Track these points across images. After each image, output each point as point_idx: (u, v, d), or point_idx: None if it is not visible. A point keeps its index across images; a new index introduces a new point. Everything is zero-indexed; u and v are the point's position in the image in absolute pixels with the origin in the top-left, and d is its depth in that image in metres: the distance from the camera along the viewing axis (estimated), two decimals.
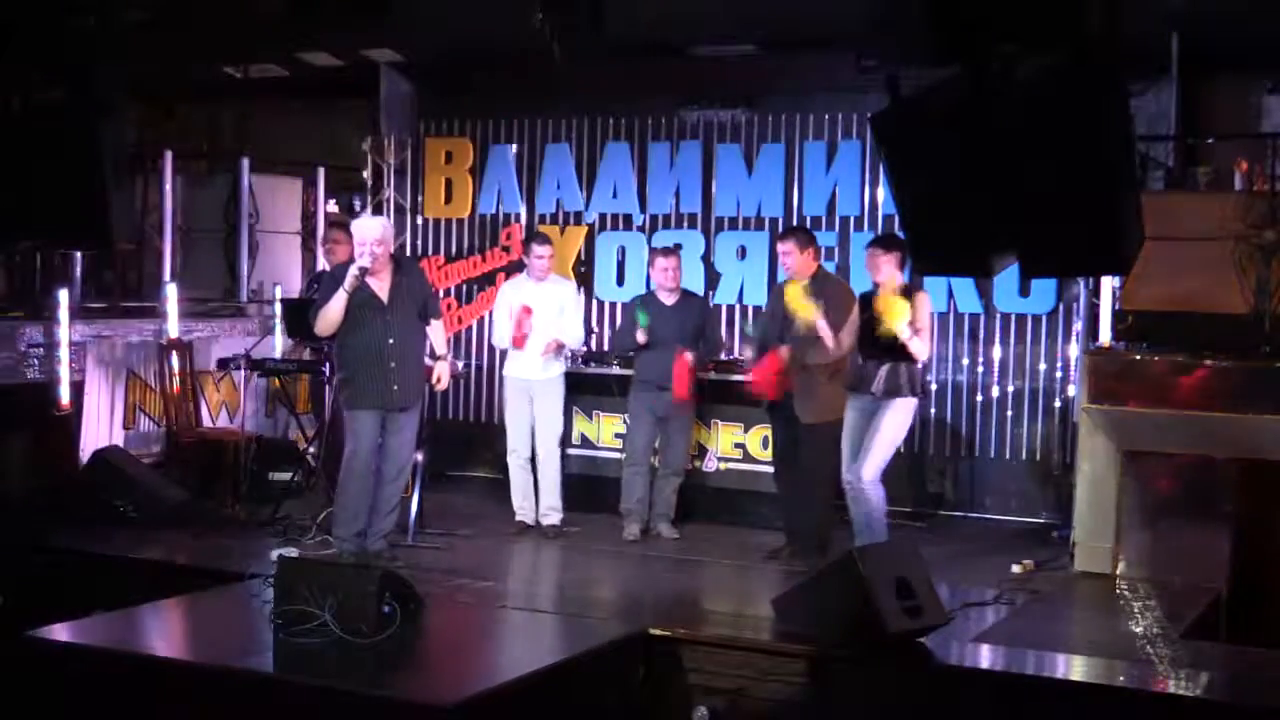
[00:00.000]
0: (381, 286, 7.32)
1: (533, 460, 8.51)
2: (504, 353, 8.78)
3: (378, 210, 10.68)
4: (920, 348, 7.16)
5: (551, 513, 8.47)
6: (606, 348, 9.40)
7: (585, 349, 9.13)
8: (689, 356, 8.06)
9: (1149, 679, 5.63)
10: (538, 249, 8.55)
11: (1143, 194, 5.07)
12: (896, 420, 7.25)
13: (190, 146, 11.70)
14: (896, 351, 7.15)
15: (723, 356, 8.89)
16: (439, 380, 7.65)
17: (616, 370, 8.93)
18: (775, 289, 8.04)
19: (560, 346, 8.42)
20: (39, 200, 5.15)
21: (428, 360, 7.63)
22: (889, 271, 7.26)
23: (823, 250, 8.51)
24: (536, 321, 8.36)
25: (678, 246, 9.31)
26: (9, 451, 8.71)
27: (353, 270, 7.19)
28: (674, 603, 6.97)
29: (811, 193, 9.68)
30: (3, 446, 8.68)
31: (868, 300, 7.35)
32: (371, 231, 7.28)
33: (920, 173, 4.24)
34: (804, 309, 7.39)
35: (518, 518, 8.53)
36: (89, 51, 5.12)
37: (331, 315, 7.24)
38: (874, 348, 7.23)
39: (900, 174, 4.35)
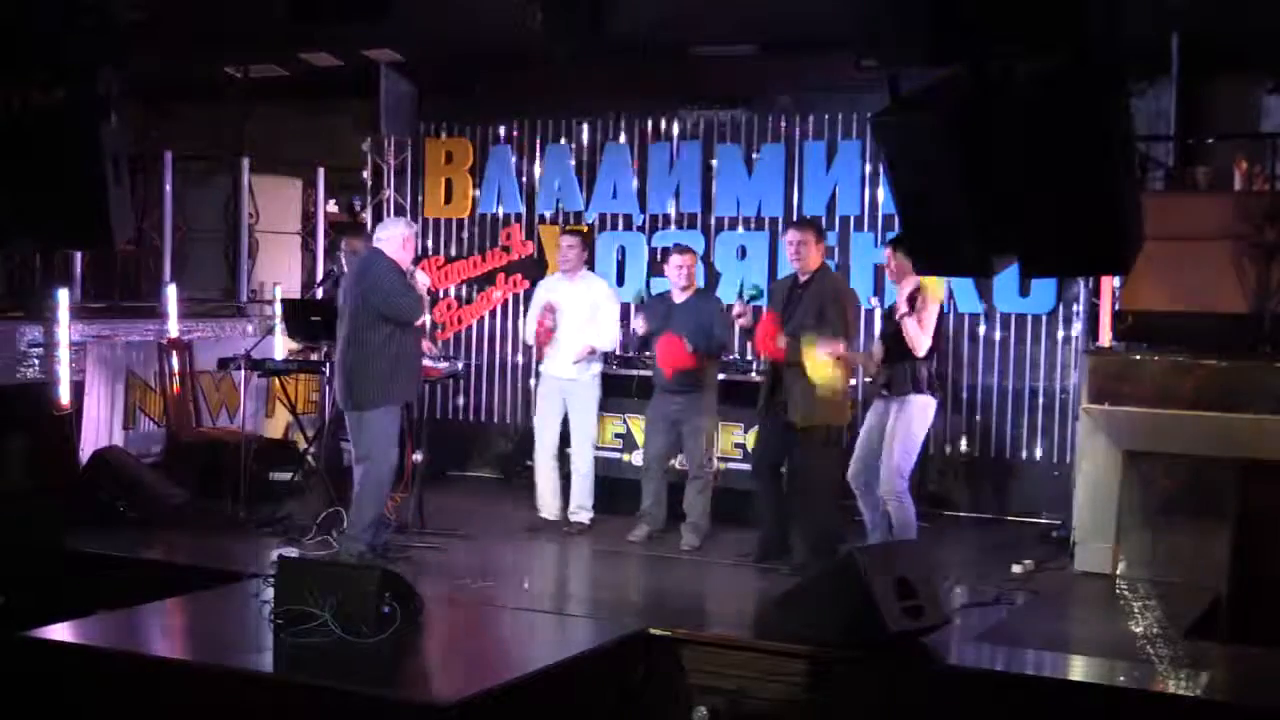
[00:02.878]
0: None
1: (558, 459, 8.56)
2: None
3: (378, 210, 10.71)
4: (918, 345, 7.13)
5: (581, 511, 8.49)
6: (616, 349, 9.36)
7: (616, 349, 8.97)
8: (677, 339, 7.94)
9: (1149, 679, 5.63)
10: (564, 239, 8.63)
11: (1143, 194, 5.07)
12: (908, 420, 7.17)
13: (190, 146, 11.68)
14: (903, 350, 7.14)
15: (725, 358, 8.91)
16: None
17: (621, 371, 8.93)
18: (783, 284, 7.90)
19: (593, 351, 8.38)
20: (39, 200, 5.16)
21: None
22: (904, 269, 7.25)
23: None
24: (567, 321, 8.37)
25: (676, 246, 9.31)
26: (9, 451, 8.72)
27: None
28: (674, 603, 6.97)
29: (811, 193, 9.68)
30: (3, 446, 8.68)
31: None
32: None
33: (920, 172, 4.24)
34: (822, 373, 7.23)
35: (541, 514, 8.53)
36: (89, 51, 5.12)
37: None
38: (892, 350, 7.23)
39: (900, 174, 4.35)
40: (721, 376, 8.45)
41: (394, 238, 7.47)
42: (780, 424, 7.50)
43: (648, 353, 8.35)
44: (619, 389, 8.91)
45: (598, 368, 8.51)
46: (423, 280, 7.51)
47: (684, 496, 8.15)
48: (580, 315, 8.39)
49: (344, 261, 9.20)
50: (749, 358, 9.20)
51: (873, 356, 7.47)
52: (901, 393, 7.16)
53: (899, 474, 7.16)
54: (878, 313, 9.09)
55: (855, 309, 7.81)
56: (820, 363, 7.13)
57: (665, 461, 8.22)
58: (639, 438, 8.70)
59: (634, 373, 8.93)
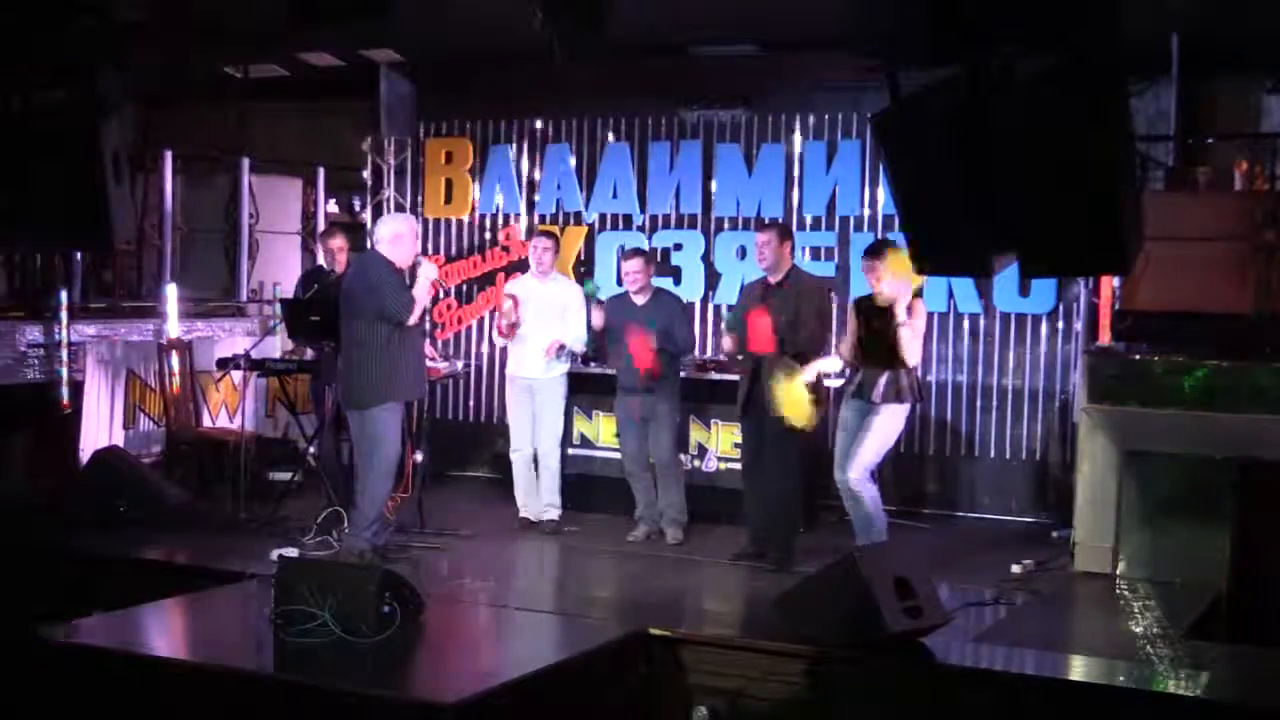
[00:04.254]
0: None
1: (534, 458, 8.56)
2: (504, 350, 8.81)
3: (378, 210, 10.70)
4: (912, 353, 7.17)
5: (550, 509, 8.52)
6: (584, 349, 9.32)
7: (586, 349, 9.07)
8: (645, 337, 7.99)
9: (1149, 679, 5.63)
10: (540, 240, 8.65)
11: (1143, 194, 5.08)
12: (888, 424, 7.24)
13: (190, 146, 11.69)
14: (893, 358, 7.16)
15: (696, 355, 9.01)
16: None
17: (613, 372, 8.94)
18: (754, 287, 7.95)
19: (562, 347, 8.42)
20: (39, 200, 5.16)
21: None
22: (884, 278, 7.27)
23: (804, 249, 8.92)
24: (539, 321, 8.38)
25: (677, 246, 9.34)
26: (9, 451, 8.72)
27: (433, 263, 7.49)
28: (674, 603, 6.97)
29: (811, 193, 9.68)
30: (3, 446, 8.68)
31: (862, 306, 7.37)
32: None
33: (921, 173, 4.24)
34: (798, 409, 7.29)
35: (521, 514, 8.56)
36: (89, 51, 5.12)
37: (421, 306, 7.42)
38: (871, 355, 7.24)
39: (900, 174, 4.35)
40: (721, 377, 8.48)
41: (384, 236, 7.47)
42: (759, 422, 7.53)
43: (608, 352, 8.41)
44: (592, 388, 8.94)
45: (565, 367, 8.54)
46: (427, 272, 7.41)
47: (658, 493, 8.22)
48: (552, 316, 8.43)
49: (323, 260, 9.22)
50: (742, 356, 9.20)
51: (842, 355, 7.55)
52: (882, 399, 7.19)
53: (865, 467, 7.25)
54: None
55: (830, 307, 7.84)
56: (796, 398, 7.21)
57: (644, 459, 8.27)
58: None
59: (608, 371, 8.95)
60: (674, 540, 8.11)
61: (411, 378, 7.43)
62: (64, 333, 8.87)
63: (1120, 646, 6.08)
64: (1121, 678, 5.64)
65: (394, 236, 7.43)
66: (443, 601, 6.43)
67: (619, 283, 9.96)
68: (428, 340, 7.83)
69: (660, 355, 8.01)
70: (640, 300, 8.28)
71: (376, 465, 7.32)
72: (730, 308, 8.57)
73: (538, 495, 8.59)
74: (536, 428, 8.50)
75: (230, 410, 9.84)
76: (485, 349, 10.63)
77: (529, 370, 8.48)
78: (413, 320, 7.33)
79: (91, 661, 5.50)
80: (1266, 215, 7.50)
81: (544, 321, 8.42)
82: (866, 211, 9.53)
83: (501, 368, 10.53)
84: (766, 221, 9.05)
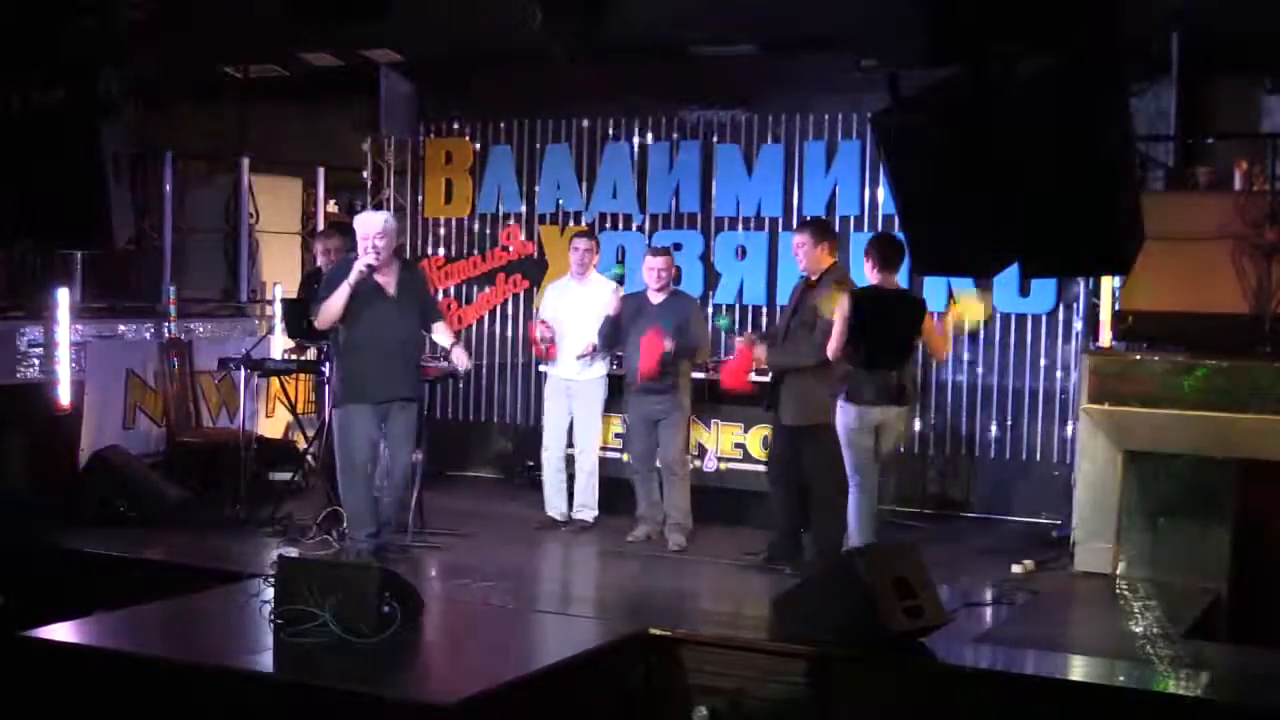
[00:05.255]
0: (388, 280, 7.39)
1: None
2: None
3: (378, 210, 10.68)
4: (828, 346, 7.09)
5: (585, 509, 8.55)
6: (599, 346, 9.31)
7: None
8: (660, 339, 7.89)
9: (1149, 679, 5.63)
10: (581, 241, 8.64)
11: (1143, 194, 5.08)
12: (835, 421, 7.17)
13: (190, 146, 11.68)
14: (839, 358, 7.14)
15: (711, 357, 8.94)
16: (463, 363, 7.77)
17: (621, 372, 8.92)
18: (797, 286, 7.82)
19: (595, 349, 8.40)
20: (39, 200, 5.16)
21: (448, 358, 7.78)
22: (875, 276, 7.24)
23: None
24: (577, 323, 8.40)
25: (676, 246, 9.35)
26: (9, 451, 8.70)
27: (358, 265, 7.23)
28: (674, 603, 6.97)
29: (811, 193, 9.68)
30: (3, 446, 8.67)
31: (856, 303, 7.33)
32: (374, 225, 7.35)
33: (921, 173, 4.24)
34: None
35: (548, 512, 8.61)
36: (89, 51, 5.12)
37: (333, 309, 7.24)
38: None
39: (900, 174, 4.36)
40: (702, 375, 8.49)
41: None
42: (783, 424, 7.52)
43: (616, 351, 8.40)
44: (619, 389, 8.92)
45: (602, 369, 8.52)
46: (360, 264, 7.23)
47: (663, 496, 8.20)
48: (590, 316, 8.40)
49: (320, 261, 9.21)
50: None
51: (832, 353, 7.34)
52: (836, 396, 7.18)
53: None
54: None
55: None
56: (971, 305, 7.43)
57: (651, 461, 8.26)
58: None
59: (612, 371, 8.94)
60: (676, 547, 8.03)
61: (372, 381, 7.29)
62: (64, 333, 8.86)
63: (1120, 646, 6.08)
64: (1121, 678, 5.64)
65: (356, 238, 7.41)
66: (443, 601, 6.43)
67: (619, 282, 10.03)
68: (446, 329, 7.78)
69: (666, 359, 7.94)
70: (658, 299, 8.24)
71: (338, 465, 7.38)
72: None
73: (564, 496, 8.60)
74: (575, 429, 8.53)
75: (230, 410, 9.84)
76: (485, 349, 10.62)
77: (567, 371, 8.49)
78: (320, 326, 7.26)
79: (92, 661, 5.50)
80: (1266, 215, 7.50)
81: (582, 322, 8.41)
82: (866, 211, 9.52)
83: (502, 368, 10.57)
84: (800, 222, 8.84)
